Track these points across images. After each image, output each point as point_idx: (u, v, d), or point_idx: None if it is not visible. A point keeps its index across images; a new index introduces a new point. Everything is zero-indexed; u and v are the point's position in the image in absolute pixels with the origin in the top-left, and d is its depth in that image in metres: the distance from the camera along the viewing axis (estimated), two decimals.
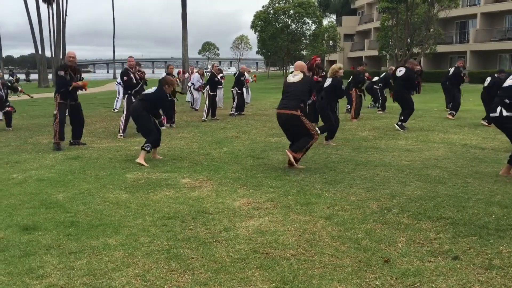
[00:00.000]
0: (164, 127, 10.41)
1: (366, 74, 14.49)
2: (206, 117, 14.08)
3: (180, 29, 29.06)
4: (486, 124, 11.66)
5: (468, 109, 15.48)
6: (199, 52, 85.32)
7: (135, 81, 10.75)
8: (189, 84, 18.54)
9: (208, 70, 15.96)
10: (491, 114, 6.61)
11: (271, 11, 49.80)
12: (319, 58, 13.41)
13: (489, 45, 36.62)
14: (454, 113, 13.47)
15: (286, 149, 7.22)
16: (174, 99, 12.95)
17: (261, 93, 27.78)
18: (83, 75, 10.14)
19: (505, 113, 6.27)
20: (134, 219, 4.86)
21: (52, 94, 10.93)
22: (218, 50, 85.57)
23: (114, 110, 17.14)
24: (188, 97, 18.95)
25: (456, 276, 3.47)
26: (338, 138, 10.00)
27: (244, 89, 16.96)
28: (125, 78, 10.79)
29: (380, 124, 12.58)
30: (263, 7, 51.05)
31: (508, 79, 6.61)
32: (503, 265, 3.63)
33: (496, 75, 12.28)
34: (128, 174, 6.90)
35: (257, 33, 51.24)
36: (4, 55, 59.61)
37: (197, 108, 17.49)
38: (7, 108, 12.65)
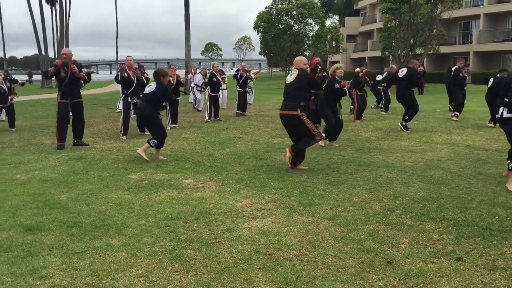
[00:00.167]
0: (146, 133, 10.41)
1: (361, 72, 14.32)
2: (209, 118, 14.10)
3: (183, 30, 29.10)
4: (492, 125, 11.56)
5: (471, 110, 15.45)
6: (202, 53, 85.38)
7: (120, 79, 10.67)
8: (192, 85, 18.55)
9: (210, 70, 15.90)
10: (496, 116, 6.60)
11: (274, 12, 49.89)
12: (317, 58, 13.40)
13: (492, 46, 36.55)
14: (458, 114, 13.41)
15: (287, 147, 7.20)
16: (179, 98, 12.97)
17: (263, 94, 27.78)
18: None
19: (505, 114, 6.25)
20: (137, 219, 4.87)
21: (53, 95, 10.96)
22: (221, 51, 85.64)
23: (116, 110, 17.17)
24: (190, 97, 18.96)
25: (460, 277, 3.46)
26: (341, 139, 9.99)
27: (248, 89, 16.98)
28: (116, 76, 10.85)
29: (383, 125, 12.57)
30: (266, 8, 51.20)
31: None
32: (507, 266, 3.63)
33: (498, 74, 12.21)
34: (131, 175, 6.91)
35: (260, 34, 51.32)
36: (7, 56, 59.75)
37: (199, 109, 17.49)
38: (12, 100, 12.72)
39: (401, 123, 11.34)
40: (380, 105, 16.81)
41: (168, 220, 4.83)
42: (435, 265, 3.67)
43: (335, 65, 9.55)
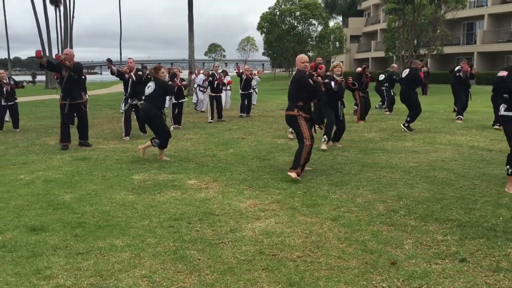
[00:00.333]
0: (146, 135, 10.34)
1: (360, 72, 14.22)
2: (212, 119, 14.11)
3: (187, 31, 29.15)
4: (498, 127, 11.43)
5: (475, 110, 15.40)
6: (206, 54, 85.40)
7: (117, 75, 10.64)
8: (195, 85, 18.56)
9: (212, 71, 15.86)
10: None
11: (277, 13, 49.87)
12: (319, 59, 13.38)
13: (497, 46, 36.41)
14: (461, 117, 13.33)
15: (288, 171, 6.64)
16: (184, 100, 12.99)
17: (267, 95, 27.78)
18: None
19: (501, 111, 6.22)
20: (141, 220, 4.88)
21: (57, 96, 10.97)
22: (224, 51, 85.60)
23: (120, 111, 17.19)
24: (194, 98, 18.99)
25: (464, 279, 3.45)
26: (345, 139, 9.98)
27: (252, 90, 16.98)
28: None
29: (386, 126, 12.55)
30: (269, 8, 51.14)
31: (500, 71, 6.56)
32: (511, 267, 3.61)
33: (499, 74, 12.09)
34: (134, 176, 6.93)
35: (263, 35, 51.31)
36: (12, 56, 59.97)
37: (202, 109, 17.50)
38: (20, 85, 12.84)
39: (404, 124, 11.33)
40: (384, 105, 16.77)
41: (171, 220, 4.84)
42: (439, 266, 3.66)
43: (333, 63, 9.45)
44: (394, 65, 16.48)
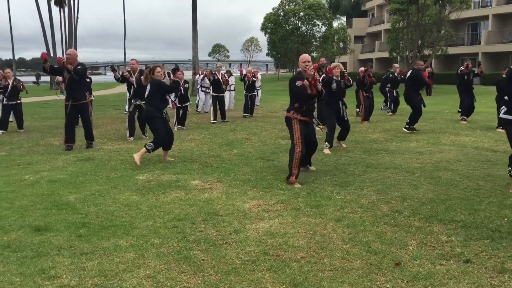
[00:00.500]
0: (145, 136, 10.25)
1: (362, 73, 14.17)
2: (215, 119, 14.11)
3: (190, 32, 29.19)
4: (502, 130, 11.36)
5: (480, 111, 15.34)
6: (209, 54, 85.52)
7: (121, 81, 10.67)
8: (198, 86, 18.58)
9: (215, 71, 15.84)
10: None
11: (281, 13, 49.89)
12: (322, 59, 13.35)
13: (501, 46, 36.30)
14: (465, 117, 13.28)
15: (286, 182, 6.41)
16: (188, 103, 13.01)
17: (270, 95, 27.79)
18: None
19: (500, 114, 6.18)
20: (145, 220, 4.89)
21: (62, 96, 11.01)
22: (228, 52, 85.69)
23: (124, 112, 17.22)
24: (197, 99, 19.01)
25: (468, 280, 3.44)
26: (349, 140, 9.96)
27: (257, 91, 17.00)
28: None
29: (390, 126, 12.52)
30: (273, 9, 51.20)
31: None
32: None
33: (504, 74, 12.01)
34: (138, 176, 6.94)
35: (267, 35, 51.33)
36: (16, 57, 60.21)
37: (206, 110, 17.51)
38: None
39: (404, 127, 11.27)
40: (387, 106, 16.73)
41: (175, 221, 4.84)
42: (444, 267, 3.65)
43: (332, 64, 9.37)
44: (396, 65, 16.38)
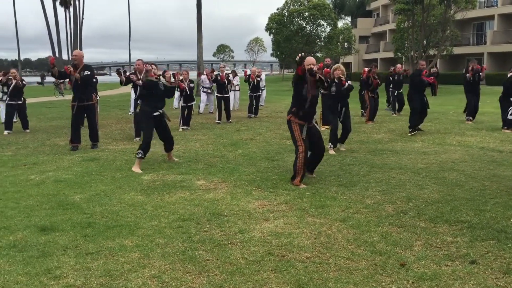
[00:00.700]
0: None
1: (365, 74, 14.11)
2: (220, 120, 14.11)
3: (195, 32, 29.22)
4: (507, 130, 11.27)
5: (485, 111, 15.29)
6: (214, 55, 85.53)
7: (125, 84, 10.66)
8: (200, 87, 18.59)
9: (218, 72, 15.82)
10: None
11: (286, 14, 49.83)
12: (328, 59, 13.32)
13: (507, 46, 36.11)
14: (471, 118, 13.21)
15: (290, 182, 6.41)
16: (193, 103, 13.02)
17: (275, 96, 27.79)
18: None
19: (508, 115, 6.12)
20: (150, 220, 4.90)
21: (67, 97, 11.04)
22: (233, 52, 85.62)
23: (130, 112, 17.28)
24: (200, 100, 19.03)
25: (474, 281, 3.43)
26: (353, 140, 9.96)
27: (261, 91, 17.00)
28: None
29: (395, 127, 12.49)
30: (277, 9, 51.11)
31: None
32: None
33: (509, 74, 11.90)
34: (143, 176, 6.96)
35: (271, 36, 51.28)
36: (22, 58, 60.47)
37: (210, 111, 17.52)
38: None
39: (409, 132, 11.17)
40: (390, 106, 16.70)
41: (180, 221, 4.85)
42: (449, 268, 3.64)
43: (334, 66, 9.27)
44: (398, 65, 16.31)
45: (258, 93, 16.03)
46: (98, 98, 11.00)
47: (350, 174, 6.88)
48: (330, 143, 8.74)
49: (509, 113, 6.04)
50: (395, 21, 39.19)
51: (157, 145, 8.57)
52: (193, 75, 20.35)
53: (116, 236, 4.44)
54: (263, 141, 10.28)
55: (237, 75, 18.81)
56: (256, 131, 11.97)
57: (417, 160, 7.91)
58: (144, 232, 4.55)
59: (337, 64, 9.15)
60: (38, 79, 55.34)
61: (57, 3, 45.83)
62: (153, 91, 7.66)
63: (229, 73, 16.30)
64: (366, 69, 14.19)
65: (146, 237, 4.41)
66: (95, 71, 10.47)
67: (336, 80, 8.67)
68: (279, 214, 5.06)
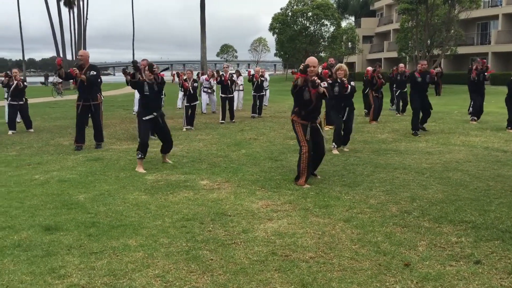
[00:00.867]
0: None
1: (368, 73, 14.06)
2: (223, 120, 14.11)
3: (199, 32, 29.25)
4: (511, 130, 11.22)
5: (490, 111, 15.23)
6: (217, 55, 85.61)
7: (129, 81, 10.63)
8: (202, 87, 18.59)
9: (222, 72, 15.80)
10: None
11: (289, 13, 49.82)
12: (331, 59, 13.29)
13: (511, 46, 36.01)
14: (476, 118, 13.14)
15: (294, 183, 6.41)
16: (196, 103, 13.03)
17: (278, 95, 27.78)
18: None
19: None
20: (154, 220, 4.90)
21: (72, 97, 11.08)
22: (236, 52, 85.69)
23: (133, 112, 17.31)
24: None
25: (478, 281, 3.41)
26: (357, 140, 9.95)
27: (265, 91, 17.00)
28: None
29: (399, 127, 12.46)
30: (281, 9, 51.11)
31: None
32: None
33: None
34: (147, 176, 6.97)
35: (275, 35, 51.28)
36: (26, 58, 60.67)
37: (213, 110, 17.53)
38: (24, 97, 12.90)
39: (412, 132, 11.08)
40: (394, 106, 16.68)
41: (184, 221, 4.85)
42: (453, 268, 3.63)
43: (336, 66, 9.21)
44: (401, 64, 16.25)
45: (261, 93, 16.02)
46: (103, 98, 11.02)
47: (354, 174, 6.87)
48: (333, 143, 8.73)
49: None
50: (399, 20, 39.15)
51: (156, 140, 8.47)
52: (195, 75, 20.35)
53: (120, 235, 4.45)
54: (266, 141, 10.28)
55: (241, 75, 18.81)
56: (259, 131, 11.97)
57: (421, 160, 7.89)
58: (148, 231, 4.56)
59: (339, 64, 9.09)
60: (42, 79, 55.53)
61: (61, 4, 45.93)
62: (145, 93, 7.47)
63: (233, 73, 16.29)
64: (369, 68, 14.16)
65: (150, 236, 4.42)
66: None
67: (338, 80, 8.64)
68: (283, 214, 5.06)
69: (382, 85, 13.65)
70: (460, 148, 9.04)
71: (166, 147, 7.88)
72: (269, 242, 4.24)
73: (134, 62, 7.67)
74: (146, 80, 7.44)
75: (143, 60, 10.95)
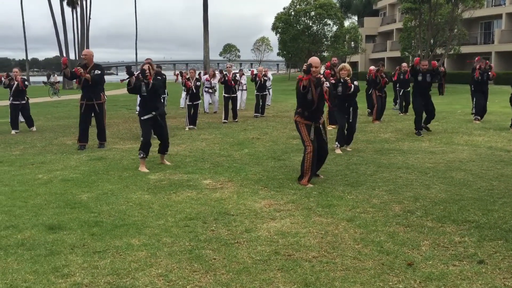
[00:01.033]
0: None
1: (371, 71, 14.04)
2: (226, 119, 14.11)
3: (202, 32, 29.26)
4: None
5: (493, 111, 15.19)
6: (220, 54, 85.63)
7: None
8: (204, 87, 18.58)
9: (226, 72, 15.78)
10: None
11: (292, 13, 49.78)
12: (334, 59, 13.27)
13: None
14: (479, 118, 13.10)
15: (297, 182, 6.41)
16: (198, 102, 13.03)
17: (281, 95, 27.76)
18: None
19: None
20: (157, 219, 4.91)
21: (75, 96, 11.10)
22: (239, 52, 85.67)
23: (136, 112, 17.32)
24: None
25: (482, 281, 3.41)
26: (360, 140, 9.94)
27: (268, 91, 17.00)
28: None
29: (402, 126, 12.44)
30: (284, 8, 51.07)
31: None
32: None
33: None
34: (150, 175, 6.98)
35: (278, 35, 51.25)
36: (29, 57, 60.83)
37: (215, 110, 17.52)
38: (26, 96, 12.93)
39: (415, 132, 11.01)
40: (397, 105, 16.64)
41: (187, 220, 4.86)
42: (457, 268, 3.62)
43: (340, 66, 9.18)
44: (404, 64, 16.21)
45: (264, 93, 16.02)
46: (106, 97, 11.02)
47: (357, 174, 6.87)
48: (336, 142, 8.72)
49: None
50: (402, 20, 39.05)
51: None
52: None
53: (123, 235, 4.46)
54: (269, 141, 10.28)
55: (244, 74, 18.81)
56: (262, 131, 11.97)
57: (424, 159, 7.87)
58: (151, 231, 4.56)
59: (343, 64, 9.05)
60: (45, 78, 55.62)
61: (64, 3, 46.04)
62: (142, 93, 7.49)
63: (236, 73, 16.28)
64: (372, 68, 14.14)
65: (153, 236, 4.42)
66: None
67: (341, 80, 8.62)
68: (286, 213, 5.06)
69: (385, 84, 13.64)
70: (464, 147, 9.02)
71: (162, 146, 7.84)
72: (272, 241, 4.24)
73: (128, 67, 7.72)
74: (144, 81, 7.43)
75: (147, 59, 10.95)
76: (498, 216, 4.81)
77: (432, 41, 32.91)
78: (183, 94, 16.26)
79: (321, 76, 6.27)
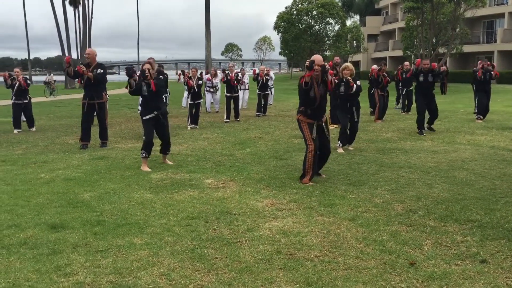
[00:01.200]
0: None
1: (374, 72, 14.00)
2: (228, 118, 14.11)
3: (204, 31, 29.28)
4: None
5: (495, 110, 15.16)
6: (222, 53, 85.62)
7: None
8: (205, 86, 18.57)
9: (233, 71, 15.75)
10: None
11: (294, 12, 49.74)
12: (337, 58, 13.25)
13: None
14: (481, 117, 13.06)
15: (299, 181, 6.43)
16: (200, 101, 13.02)
17: (283, 94, 27.76)
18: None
19: None
20: (159, 218, 4.91)
21: (77, 95, 11.11)
22: (241, 51, 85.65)
23: (138, 111, 17.33)
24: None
25: (484, 280, 3.40)
26: (362, 139, 9.93)
27: (270, 90, 16.98)
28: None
29: (404, 125, 12.43)
30: (286, 8, 51.03)
31: None
32: None
33: None
34: (152, 174, 6.98)
35: (280, 34, 51.21)
36: (31, 57, 60.93)
37: (216, 110, 17.52)
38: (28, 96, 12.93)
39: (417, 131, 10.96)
40: (399, 104, 16.62)
41: (189, 219, 4.86)
42: (459, 267, 3.62)
43: (342, 66, 9.17)
44: (406, 63, 16.18)
45: (266, 92, 16.01)
46: (108, 97, 11.03)
47: (359, 173, 6.86)
48: (339, 142, 8.71)
49: None
50: (404, 19, 39.02)
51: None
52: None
53: (126, 234, 4.46)
54: (271, 140, 10.28)
55: (246, 74, 18.79)
56: (264, 130, 11.97)
57: (427, 159, 7.86)
58: (153, 230, 4.57)
59: (345, 64, 9.04)
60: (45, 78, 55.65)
61: (67, 3, 46.11)
62: (143, 93, 7.49)
63: (239, 72, 16.28)
64: (374, 67, 14.12)
65: (155, 235, 4.43)
66: None
67: (344, 80, 8.61)
68: (288, 212, 5.06)
69: (387, 83, 13.62)
70: (466, 147, 9.01)
71: (164, 146, 7.84)
72: (274, 240, 4.24)
73: (128, 68, 7.73)
74: (144, 81, 7.43)
75: (149, 58, 10.93)
76: (501, 215, 4.80)
77: (434, 40, 32.87)
78: (185, 93, 16.27)
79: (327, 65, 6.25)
